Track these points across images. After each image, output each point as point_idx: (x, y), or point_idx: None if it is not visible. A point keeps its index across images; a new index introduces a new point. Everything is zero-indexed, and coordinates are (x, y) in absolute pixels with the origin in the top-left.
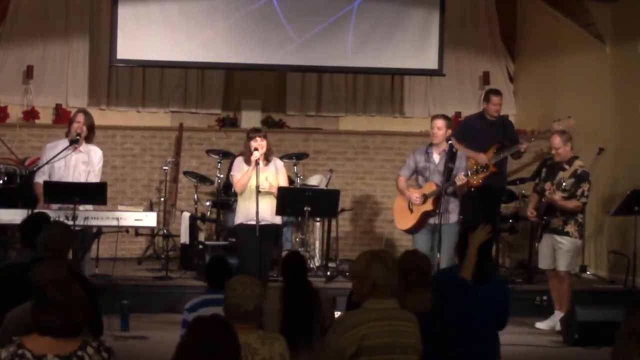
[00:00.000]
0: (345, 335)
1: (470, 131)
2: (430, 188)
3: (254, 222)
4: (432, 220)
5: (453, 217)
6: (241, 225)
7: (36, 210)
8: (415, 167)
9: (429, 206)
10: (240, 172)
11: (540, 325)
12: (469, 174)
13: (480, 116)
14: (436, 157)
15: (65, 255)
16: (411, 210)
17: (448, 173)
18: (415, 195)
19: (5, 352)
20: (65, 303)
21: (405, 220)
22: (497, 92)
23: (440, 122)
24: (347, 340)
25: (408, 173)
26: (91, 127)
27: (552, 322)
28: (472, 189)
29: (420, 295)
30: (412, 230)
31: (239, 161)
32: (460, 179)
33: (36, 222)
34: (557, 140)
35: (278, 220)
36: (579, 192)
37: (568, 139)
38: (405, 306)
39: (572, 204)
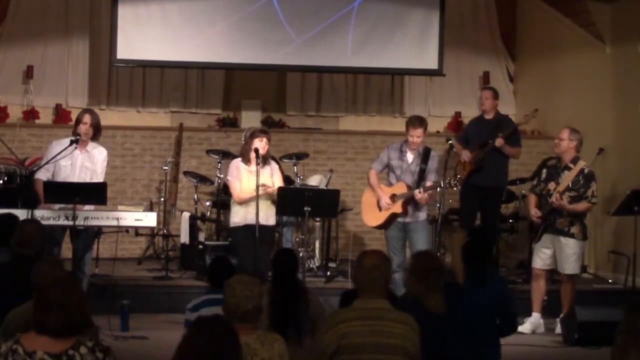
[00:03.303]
0: (328, 333)
1: (469, 133)
2: (401, 189)
3: (250, 223)
4: (401, 219)
5: (422, 215)
6: (238, 226)
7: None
8: (387, 162)
9: (398, 208)
10: (237, 178)
11: (521, 328)
12: (442, 184)
13: (479, 117)
14: (410, 156)
15: (44, 252)
16: (380, 208)
17: (420, 173)
18: (385, 199)
19: (4, 346)
20: (64, 303)
21: (373, 216)
22: (486, 87)
23: (420, 132)
24: (328, 337)
25: (380, 167)
26: (97, 127)
27: (531, 325)
28: (460, 187)
29: (439, 296)
30: (379, 227)
31: (235, 165)
32: (416, 194)
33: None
34: (565, 133)
35: (272, 221)
36: (589, 192)
37: (577, 138)
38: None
39: (582, 206)
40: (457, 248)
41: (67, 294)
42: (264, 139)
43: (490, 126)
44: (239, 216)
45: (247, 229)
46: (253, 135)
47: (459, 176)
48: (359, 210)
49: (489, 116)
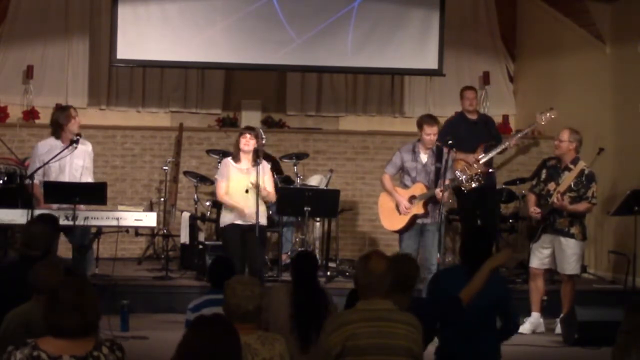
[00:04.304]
0: (333, 335)
1: (454, 133)
2: (419, 190)
3: (240, 222)
4: (420, 220)
5: (438, 215)
6: (230, 225)
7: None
8: (401, 165)
9: (419, 209)
10: (225, 177)
11: (521, 328)
12: (463, 180)
13: (461, 117)
14: (423, 156)
15: (52, 252)
16: (399, 212)
17: (436, 173)
18: (404, 202)
19: (20, 354)
20: (78, 304)
21: (393, 221)
22: (468, 87)
23: (436, 129)
24: (334, 339)
25: (394, 171)
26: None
27: (531, 325)
28: (465, 191)
29: (396, 298)
30: (400, 231)
31: (225, 163)
32: (437, 193)
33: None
34: (565, 134)
35: (264, 220)
36: (589, 193)
37: (577, 139)
38: None
39: (583, 206)
40: (487, 267)
41: (79, 294)
42: (247, 136)
43: (480, 127)
44: (228, 216)
45: (237, 229)
46: (240, 134)
47: (480, 171)
48: (374, 216)
49: (473, 116)
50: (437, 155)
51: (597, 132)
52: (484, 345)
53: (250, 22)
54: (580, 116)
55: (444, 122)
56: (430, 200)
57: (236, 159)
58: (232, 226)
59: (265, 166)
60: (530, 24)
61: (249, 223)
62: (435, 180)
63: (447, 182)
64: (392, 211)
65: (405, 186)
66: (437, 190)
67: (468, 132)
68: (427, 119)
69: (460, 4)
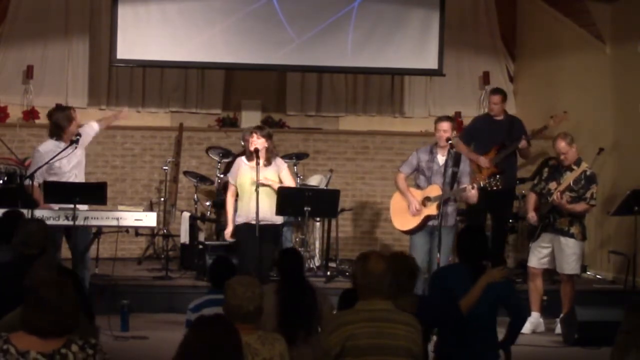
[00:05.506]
0: (332, 335)
1: (476, 132)
2: (434, 191)
3: (252, 222)
4: (431, 222)
5: (451, 219)
6: (242, 224)
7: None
8: (417, 165)
9: (432, 210)
10: (233, 178)
11: None
12: (482, 184)
13: (487, 116)
14: (440, 158)
15: (47, 251)
16: (411, 212)
17: (452, 176)
18: (415, 203)
19: None
20: (56, 305)
21: (405, 221)
22: (494, 91)
23: (446, 125)
24: (333, 339)
25: (409, 170)
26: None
27: (531, 325)
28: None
29: (406, 298)
30: (411, 232)
31: (238, 163)
32: (468, 189)
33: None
34: (562, 144)
35: (279, 219)
36: (588, 194)
37: (572, 140)
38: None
39: (581, 207)
40: (483, 281)
41: (58, 295)
42: (254, 135)
43: (503, 127)
44: (242, 214)
45: (250, 228)
46: (249, 133)
47: (498, 176)
48: (388, 217)
49: (499, 117)
50: (455, 159)
51: (597, 132)
52: (481, 345)
53: (250, 22)
54: (580, 116)
55: (470, 120)
56: (444, 203)
57: (249, 157)
58: (245, 226)
59: (281, 164)
60: (530, 24)
61: (262, 223)
62: (451, 183)
63: (462, 186)
64: (404, 211)
65: (419, 187)
66: (469, 186)
67: (489, 132)
68: (440, 117)
69: (460, 4)
